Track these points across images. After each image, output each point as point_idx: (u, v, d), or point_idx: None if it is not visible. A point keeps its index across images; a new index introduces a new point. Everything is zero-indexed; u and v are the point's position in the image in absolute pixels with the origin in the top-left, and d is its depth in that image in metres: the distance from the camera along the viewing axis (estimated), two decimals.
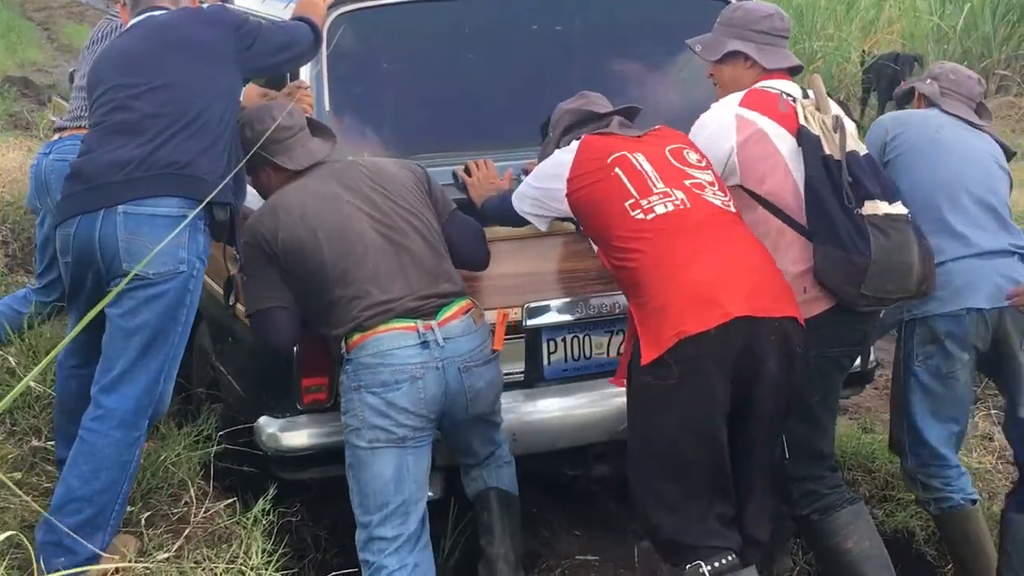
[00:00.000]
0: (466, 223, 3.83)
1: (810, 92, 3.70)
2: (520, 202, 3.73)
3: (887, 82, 11.04)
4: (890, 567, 3.81)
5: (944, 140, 4.00)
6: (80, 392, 3.60)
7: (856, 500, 3.90)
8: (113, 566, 3.34)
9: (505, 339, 3.74)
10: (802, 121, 3.58)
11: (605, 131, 3.67)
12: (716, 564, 3.31)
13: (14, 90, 11.65)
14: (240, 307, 3.91)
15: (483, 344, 3.63)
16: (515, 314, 3.93)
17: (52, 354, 1.73)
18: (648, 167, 3.48)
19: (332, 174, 3.69)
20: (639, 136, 3.64)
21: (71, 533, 3.25)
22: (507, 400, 3.83)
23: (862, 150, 3.66)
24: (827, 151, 3.53)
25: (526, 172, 3.94)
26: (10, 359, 4.46)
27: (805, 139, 3.55)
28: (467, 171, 4.02)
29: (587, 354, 4.09)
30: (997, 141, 4.15)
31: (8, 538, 3.48)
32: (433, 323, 3.52)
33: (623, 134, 3.64)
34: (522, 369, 4.05)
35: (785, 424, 3.48)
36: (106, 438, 3.37)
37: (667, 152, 3.55)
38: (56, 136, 4.75)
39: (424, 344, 3.49)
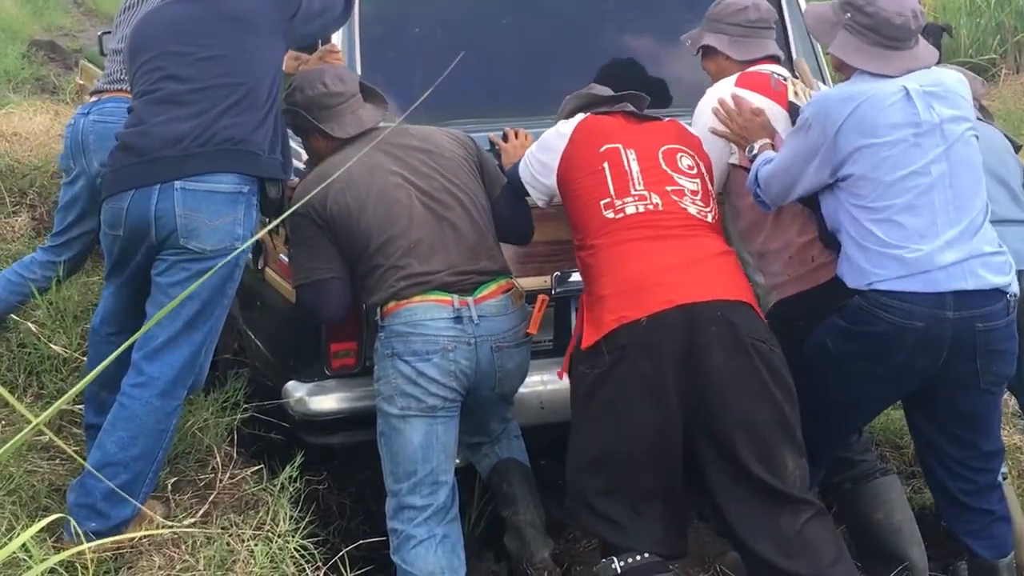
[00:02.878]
0: (515, 199, 3.81)
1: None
2: (523, 171, 3.73)
3: None
4: (920, 542, 3.82)
5: None
6: (115, 358, 3.60)
7: (889, 472, 3.92)
8: (141, 533, 3.35)
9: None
10: (791, 98, 3.67)
11: (609, 111, 3.67)
12: (629, 560, 3.25)
13: (41, 54, 11.67)
14: (270, 271, 3.89)
15: (518, 326, 3.61)
16: (545, 282, 3.92)
17: (120, 350, 1.70)
18: (635, 167, 3.46)
19: (382, 143, 3.64)
20: (641, 122, 3.63)
21: (113, 491, 3.28)
22: (535, 369, 3.81)
23: None
24: None
25: None
26: (32, 326, 4.46)
27: (794, 115, 3.60)
28: (504, 137, 4.00)
29: None
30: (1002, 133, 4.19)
31: (35, 499, 3.52)
32: (469, 299, 3.50)
33: (626, 117, 3.64)
34: (551, 337, 4.03)
35: (778, 432, 3.27)
36: (146, 405, 3.38)
37: (660, 153, 3.52)
38: (94, 98, 4.74)
39: (457, 319, 3.47)
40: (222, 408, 4.02)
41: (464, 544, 3.56)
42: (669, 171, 3.49)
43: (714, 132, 3.70)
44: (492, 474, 3.83)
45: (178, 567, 3.27)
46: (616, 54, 4.36)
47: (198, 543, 3.37)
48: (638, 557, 3.26)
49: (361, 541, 3.65)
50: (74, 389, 1.54)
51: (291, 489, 3.67)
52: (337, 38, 3.95)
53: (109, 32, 5.57)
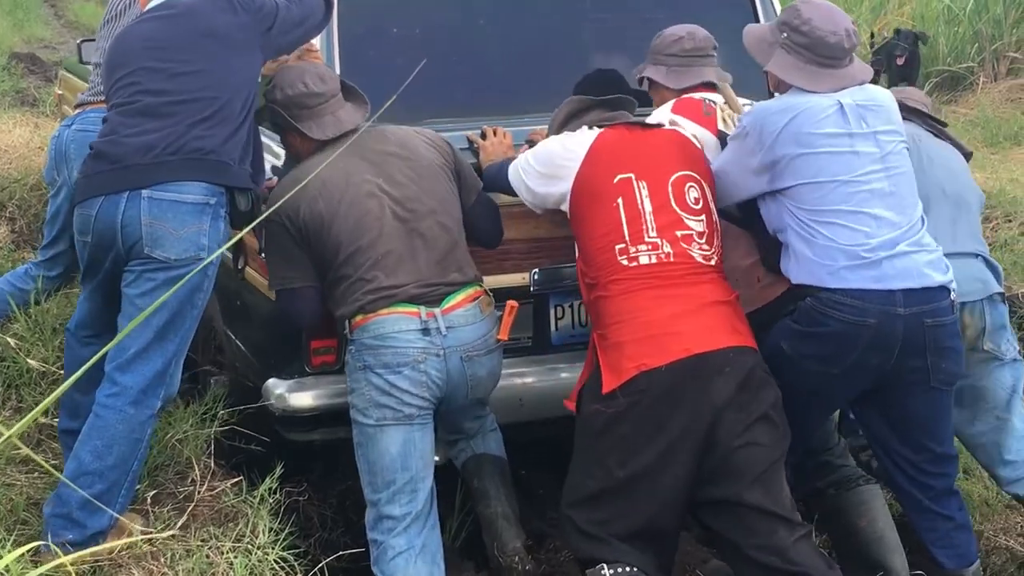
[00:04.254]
0: (489, 206, 3.83)
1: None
2: (516, 179, 3.73)
3: (895, 64, 10.98)
4: (902, 551, 3.83)
5: (923, 153, 4.04)
6: (90, 359, 3.58)
7: (872, 480, 3.95)
8: (120, 543, 3.33)
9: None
10: (720, 126, 3.81)
11: (615, 122, 3.69)
12: (619, 570, 3.29)
13: (21, 66, 11.64)
14: (250, 271, 3.89)
15: (488, 333, 3.61)
16: (523, 279, 3.95)
17: (91, 362, 1.70)
18: (648, 206, 3.49)
19: (359, 148, 3.62)
20: (645, 132, 3.67)
21: (88, 501, 3.27)
22: (515, 366, 3.84)
23: None
24: None
25: (530, 143, 3.95)
26: (9, 340, 4.44)
27: (722, 142, 3.76)
28: (483, 135, 4.02)
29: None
30: (956, 143, 4.27)
31: (13, 512, 3.50)
32: (436, 311, 3.50)
33: (629, 129, 3.67)
34: (530, 335, 4.04)
35: (777, 458, 3.38)
36: (120, 414, 3.38)
37: (670, 185, 3.54)
38: (77, 111, 4.73)
39: (425, 331, 3.47)
40: (201, 420, 4.01)
41: (444, 554, 3.55)
42: (679, 211, 3.52)
43: None
44: (464, 471, 3.84)
45: None
46: (594, 53, 4.41)
47: (177, 556, 3.35)
48: (627, 569, 3.29)
49: (342, 552, 3.64)
50: (46, 401, 1.54)
51: (271, 501, 3.66)
52: (316, 37, 3.94)
53: (88, 40, 5.57)
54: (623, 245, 3.46)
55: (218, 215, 3.44)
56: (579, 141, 3.63)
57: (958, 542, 3.73)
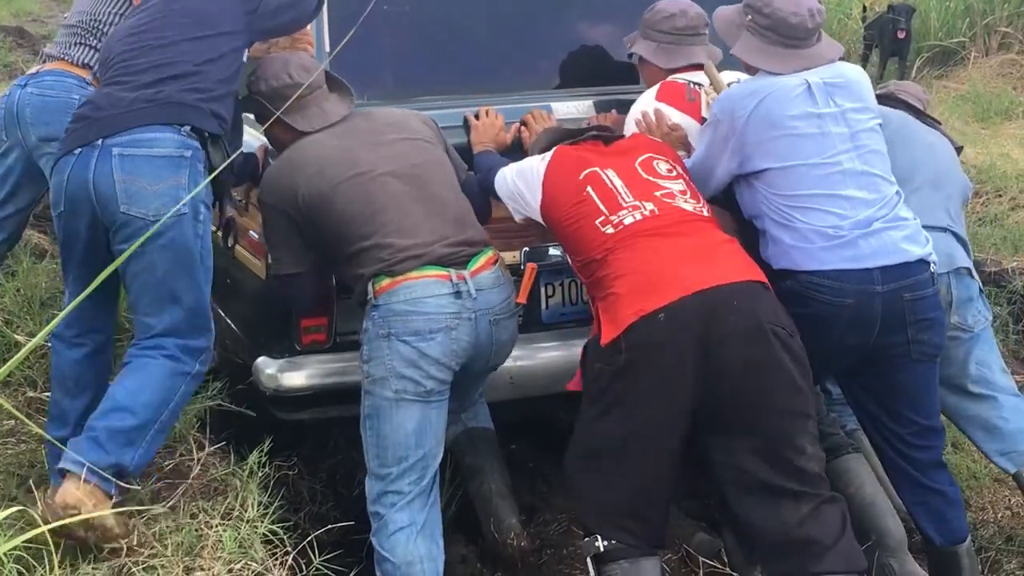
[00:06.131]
0: (474, 184, 3.82)
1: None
2: (500, 188, 3.73)
3: (889, 39, 10.98)
4: (895, 513, 3.87)
5: (910, 135, 4.07)
6: (81, 360, 3.55)
7: (858, 449, 3.97)
8: (111, 510, 3.26)
9: None
10: (703, 111, 3.82)
11: (579, 140, 3.68)
12: (613, 542, 3.26)
13: (9, 40, 11.53)
14: (240, 248, 3.88)
15: (510, 297, 3.60)
16: (514, 257, 3.94)
17: (61, 314, 1.70)
18: (618, 182, 3.48)
19: (353, 130, 3.61)
20: (610, 145, 3.66)
21: (117, 433, 3.25)
22: None
23: None
24: None
25: (524, 124, 3.95)
26: None
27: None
28: (476, 116, 4.01)
29: (585, 299, 4.07)
30: (947, 137, 4.30)
31: (4, 487, 3.49)
32: (465, 273, 3.46)
33: (594, 145, 3.66)
34: (520, 313, 4.02)
35: (798, 419, 3.24)
36: (156, 360, 3.35)
37: (637, 165, 3.55)
38: (35, 68, 4.60)
39: (457, 294, 3.42)
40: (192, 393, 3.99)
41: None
42: (652, 179, 3.50)
43: None
44: (456, 446, 3.82)
45: (146, 553, 3.24)
46: (586, 30, 4.39)
47: (166, 529, 3.33)
48: (622, 544, 3.27)
49: (331, 525, 3.64)
50: (30, 345, 1.52)
51: (260, 474, 3.65)
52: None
53: None
54: (603, 218, 3.42)
55: (196, 169, 3.37)
56: (542, 157, 3.63)
57: (949, 517, 3.73)
